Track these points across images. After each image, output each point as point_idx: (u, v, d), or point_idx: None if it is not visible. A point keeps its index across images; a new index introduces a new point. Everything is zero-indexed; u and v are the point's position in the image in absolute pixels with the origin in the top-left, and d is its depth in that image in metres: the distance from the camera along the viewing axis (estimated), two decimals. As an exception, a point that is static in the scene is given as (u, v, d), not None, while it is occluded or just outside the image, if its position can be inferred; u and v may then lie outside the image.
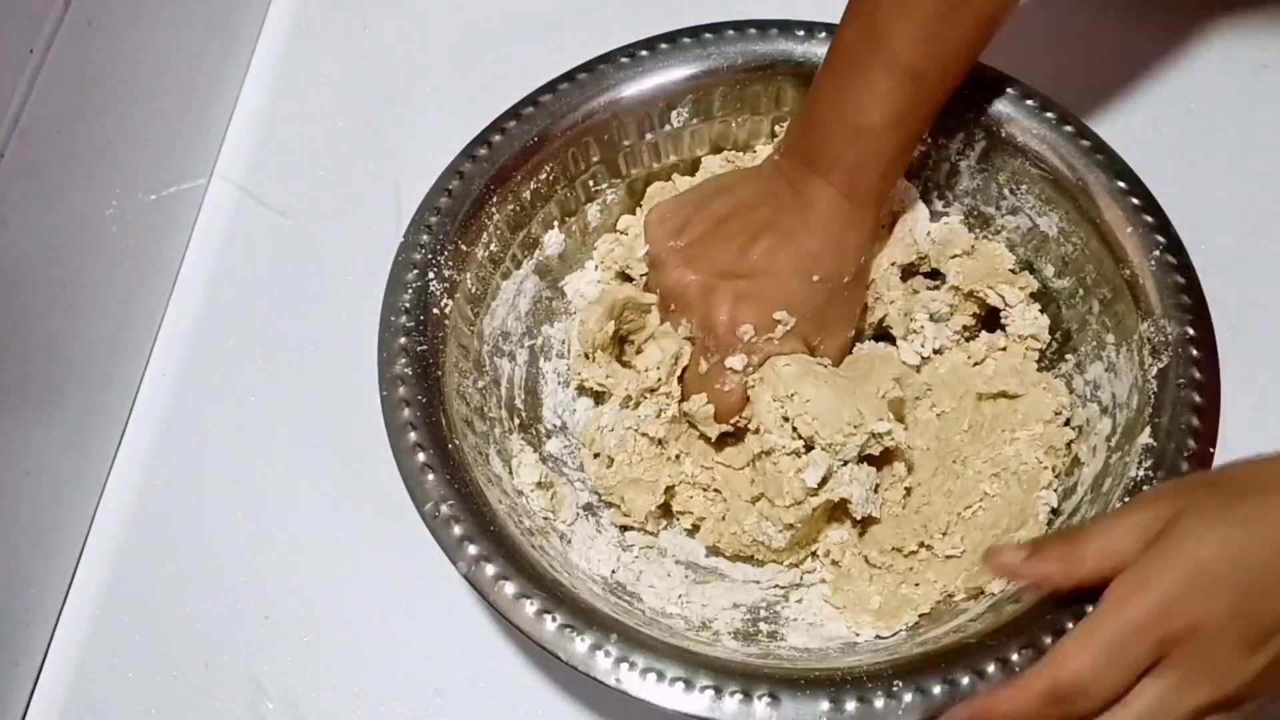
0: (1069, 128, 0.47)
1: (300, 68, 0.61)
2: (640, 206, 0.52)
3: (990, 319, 0.49)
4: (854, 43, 0.44)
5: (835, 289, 0.45)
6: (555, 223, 0.50)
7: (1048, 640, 0.37)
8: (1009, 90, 0.47)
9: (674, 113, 0.50)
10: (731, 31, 0.49)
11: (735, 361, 0.44)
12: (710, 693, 0.37)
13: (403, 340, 0.43)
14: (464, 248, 0.46)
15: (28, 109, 0.43)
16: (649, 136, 0.50)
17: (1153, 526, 0.34)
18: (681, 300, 0.45)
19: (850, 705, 0.36)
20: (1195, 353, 0.42)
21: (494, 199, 0.47)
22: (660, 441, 0.46)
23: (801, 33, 0.49)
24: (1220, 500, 0.33)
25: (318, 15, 0.63)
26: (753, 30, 0.49)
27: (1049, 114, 0.47)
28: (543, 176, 0.48)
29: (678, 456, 0.46)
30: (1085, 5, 0.62)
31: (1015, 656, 0.37)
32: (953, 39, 0.43)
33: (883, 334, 0.50)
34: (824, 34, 0.49)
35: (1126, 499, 0.40)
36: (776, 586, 0.46)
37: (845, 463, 0.43)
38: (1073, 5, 0.62)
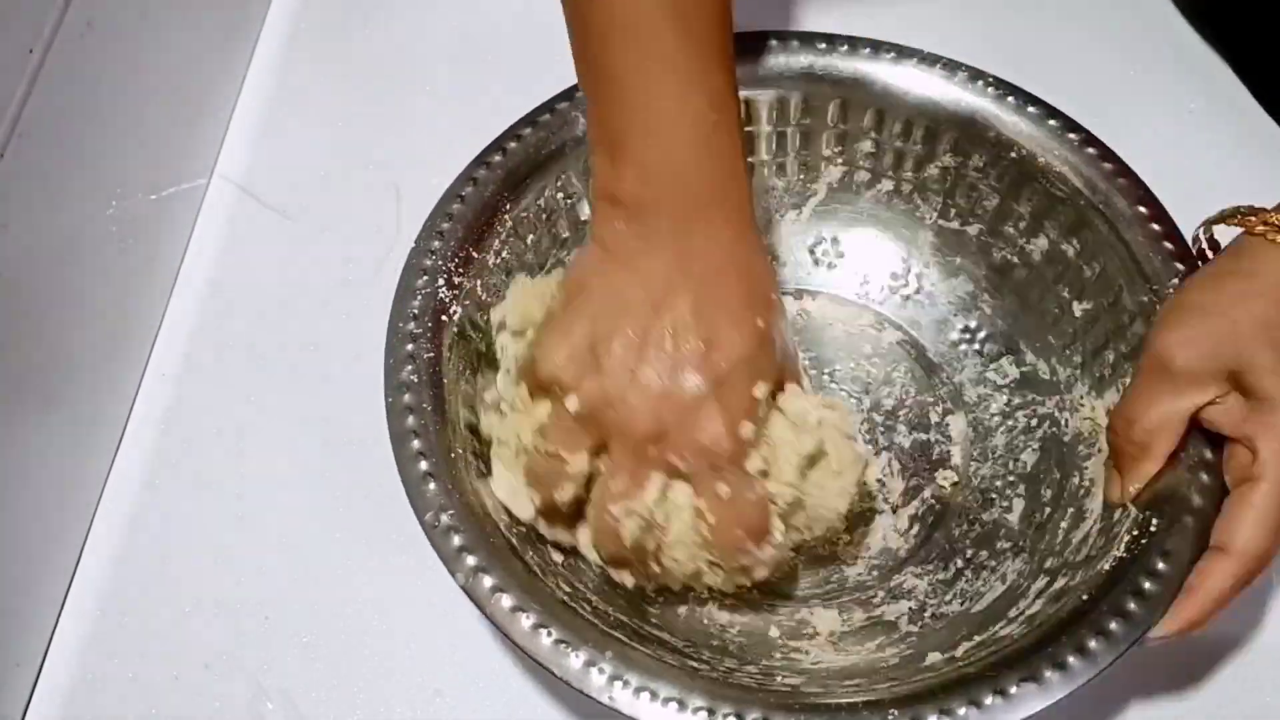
0: (1091, 150, 0.47)
1: (300, 68, 0.61)
2: None
3: None
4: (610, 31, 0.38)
5: (773, 320, 0.40)
6: (568, 231, 0.50)
7: (1048, 673, 0.37)
8: (1031, 110, 0.48)
9: None
10: (751, 42, 0.49)
11: (755, 462, 0.39)
12: (703, 714, 0.37)
13: (410, 347, 0.43)
14: (475, 254, 0.46)
15: (28, 109, 0.43)
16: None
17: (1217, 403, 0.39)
18: (649, 435, 0.38)
19: None
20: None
21: (507, 206, 0.47)
22: None
23: (824, 45, 0.49)
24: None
25: (318, 15, 0.63)
26: (774, 41, 0.49)
27: (1071, 135, 0.47)
28: (558, 183, 0.48)
29: None
30: (1085, 6, 0.62)
31: (1014, 689, 0.37)
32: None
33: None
34: (845, 46, 0.49)
35: (1135, 531, 0.40)
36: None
37: None
38: (1072, 6, 0.62)
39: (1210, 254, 0.44)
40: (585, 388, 0.38)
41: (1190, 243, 0.45)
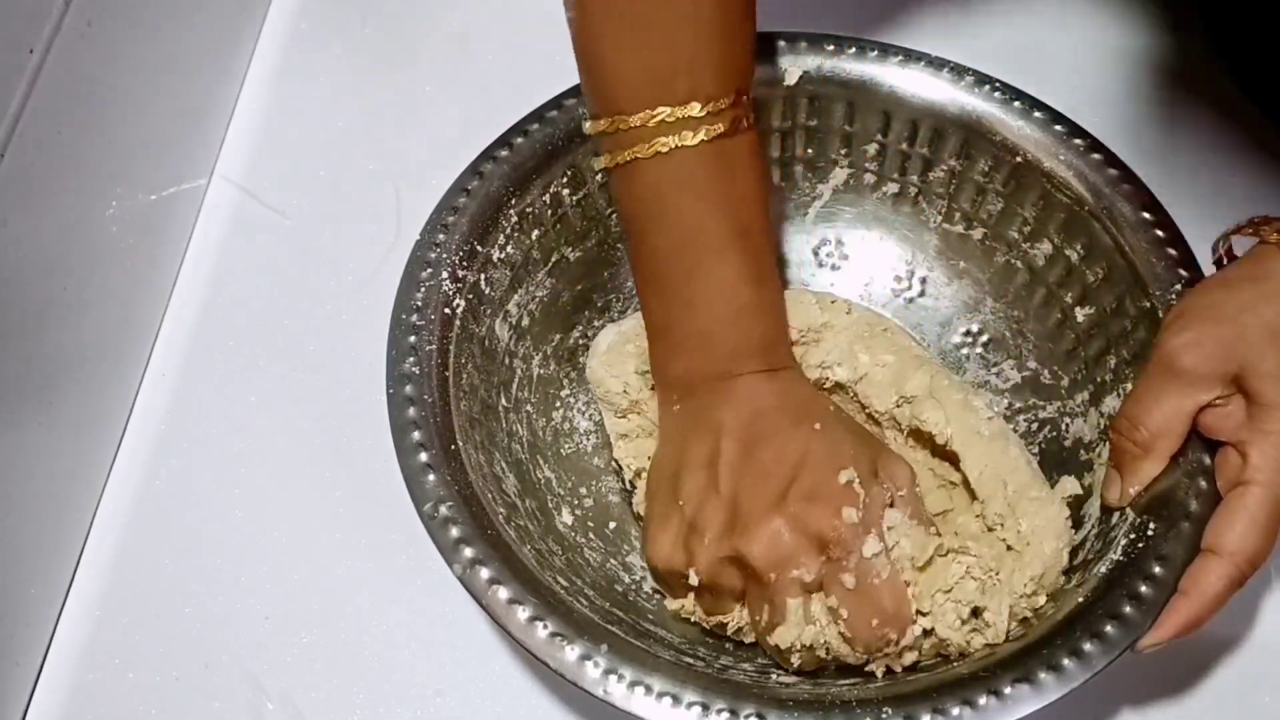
0: (1096, 156, 0.47)
1: (300, 68, 0.61)
2: None
3: None
4: (665, 249, 0.41)
5: (832, 419, 0.42)
6: (574, 227, 0.50)
7: (1043, 675, 0.37)
8: (1037, 115, 0.47)
9: None
10: (760, 43, 0.49)
11: (871, 545, 0.39)
12: (697, 709, 0.37)
13: (412, 339, 0.43)
14: (480, 248, 0.46)
15: (28, 109, 0.43)
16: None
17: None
18: (761, 571, 0.39)
19: None
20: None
21: (512, 201, 0.47)
22: None
23: (832, 47, 0.49)
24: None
25: (318, 15, 0.63)
26: (782, 42, 0.49)
27: (1077, 141, 0.47)
28: (564, 180, 0.48)
29: None
30: (1084, 7, 0.62)
31: (1009, 690, 0.37)
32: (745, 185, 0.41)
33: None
34: (853, 49, 0.49)
35: (1132, 535, 0.40)
36: None
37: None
38: (1072, 6, 0.62)
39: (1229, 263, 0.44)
40: (699, 562, 0.40)
41: (1211, 252, 0.45)
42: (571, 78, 0.49)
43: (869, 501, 0.39)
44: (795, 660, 0.40)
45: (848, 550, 0.38)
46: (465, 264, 0.46)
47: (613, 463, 0.48)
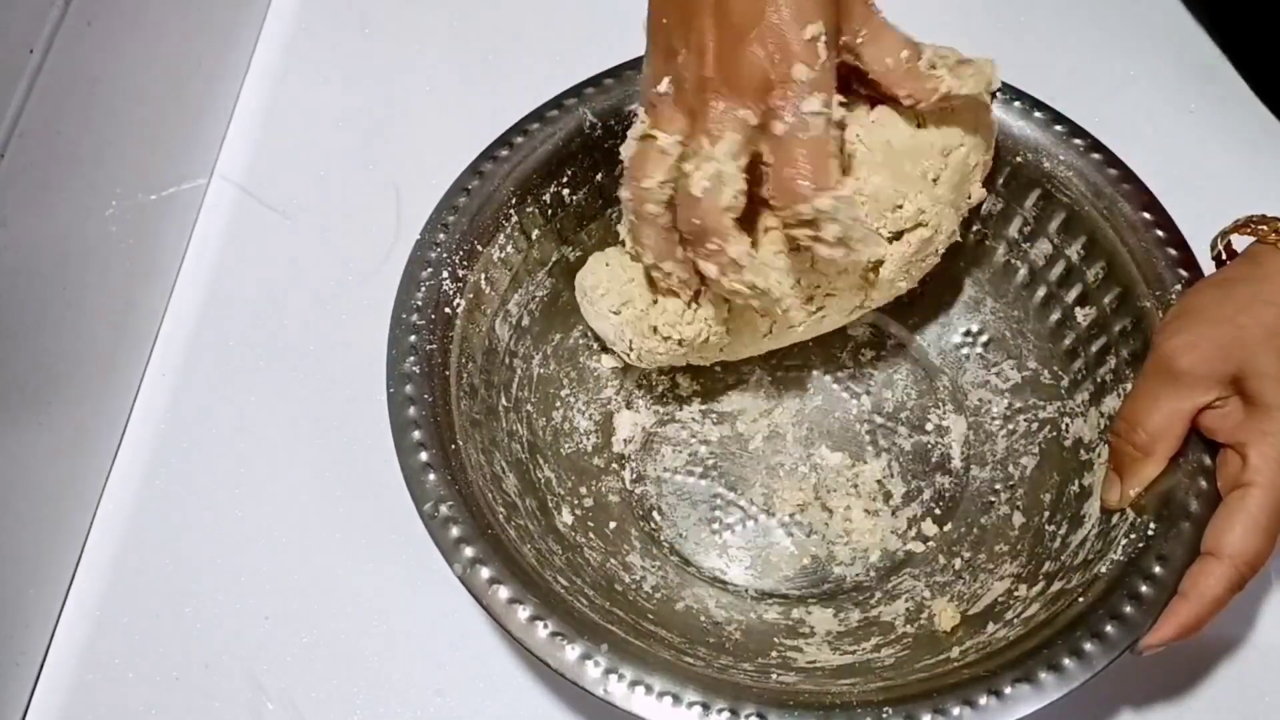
0: (1097, 155, 0.47)
1: (300, 68, 0.61)
2: None
3: None
4: None
5: None
6: (574, 226, 0.50)
7: (1043, 675, 0.37)
8: (1037, 115, 0.48)
9: None
10: None
11: (810, 103, 0.38)
12: (698, 709, 0.37)
13: (413, 339, 0.43)
14: (480, 248, 0.46)
15: (28, 109, 0.43)
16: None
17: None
18: (703, 86, 0.39)
19: None
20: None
21: (513, 200, 0.47)
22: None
23: None
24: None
25: (318, 15, 0.63)
26: None
27: (1077, 141, 0.47)
28: (564, 179, 0.48)
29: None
30: (1085, 7, 0.62)
31: (1009, 690, 0.37)
32: None
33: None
34: None
35: (1132, 535, 0.40)
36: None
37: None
38: (1072, 7, 0.62)
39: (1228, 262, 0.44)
40: (671, 69, 0.40)
41: (1209, 250, 0.45)
42: (571, 77, 0.49)
43: (826, 64, 0.38)
44: (722, 194, 0.39)
45: (787, 100, 0.37)
46: (465, 264, 0.46)
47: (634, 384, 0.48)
